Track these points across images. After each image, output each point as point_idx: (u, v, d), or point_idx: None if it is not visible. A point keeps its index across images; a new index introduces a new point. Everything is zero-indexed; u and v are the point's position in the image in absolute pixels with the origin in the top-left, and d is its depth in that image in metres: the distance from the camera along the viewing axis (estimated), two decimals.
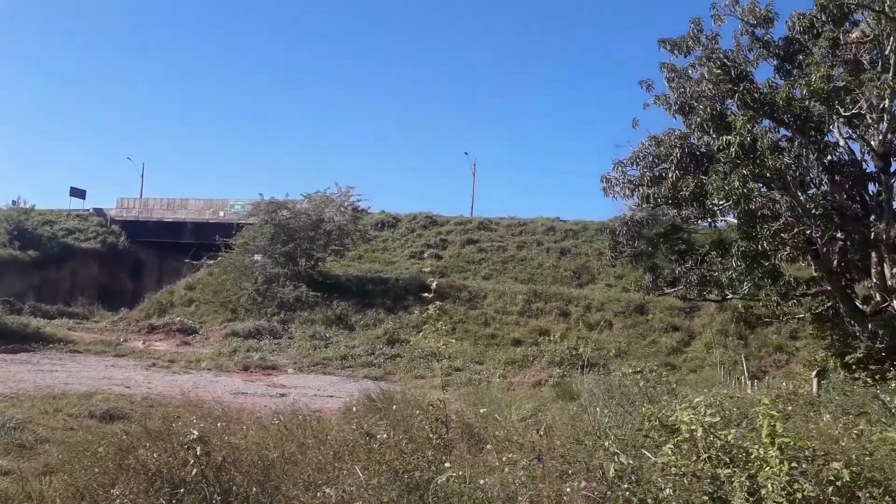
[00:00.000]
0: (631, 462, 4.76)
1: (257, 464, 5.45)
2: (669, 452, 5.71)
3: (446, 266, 41.90)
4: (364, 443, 5.33)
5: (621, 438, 5.84)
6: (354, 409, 10.27)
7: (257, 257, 37.51)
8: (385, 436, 5.33)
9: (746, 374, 21.18)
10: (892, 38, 18.90)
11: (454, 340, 32.44)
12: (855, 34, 20.13)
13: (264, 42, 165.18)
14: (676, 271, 21.75)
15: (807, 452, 5.43)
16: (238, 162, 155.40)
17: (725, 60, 19.18)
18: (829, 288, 20.29)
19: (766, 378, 22.46)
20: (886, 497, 4.97)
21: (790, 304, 21.77)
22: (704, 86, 18.80)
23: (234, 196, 54.85)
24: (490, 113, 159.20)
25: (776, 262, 19.59)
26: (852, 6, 20.15)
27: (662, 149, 19.35)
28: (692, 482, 5.44)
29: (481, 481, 4.51)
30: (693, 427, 5.86)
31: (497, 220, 49.37)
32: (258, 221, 38.82)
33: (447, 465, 5.92)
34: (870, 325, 18.40)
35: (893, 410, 6.86)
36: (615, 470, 4.60)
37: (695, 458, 5.68)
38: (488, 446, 7.15)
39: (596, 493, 4.62)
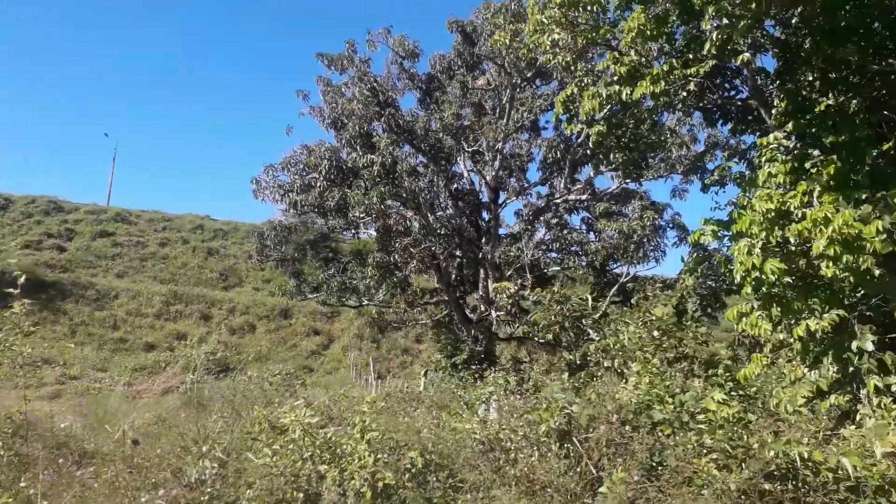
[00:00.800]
0: (216, 466, 4.70)
1: None
2: (269, 453, 5.85)
3: (71, 260, 36.74)
4: None
5: (221, 443, 5.77)
6: None
7: None
8: None
9: (374, 375, 22.94)
10: (508, 90, 22.57)
11: (73, 345, 28.46)
12: (480, 81, 23.56)
13: None
14: (320, 277, 22.61)
15: (391, 444, 6.08)
16: None
17: (375, 84, 20.68)
18: (446, 298, 23.18)
19: (389, 377, 24.66)
20: (450, 479, 5.82)
21: (416, 311, 24.33)
22: (355, 105, 19.95)
23: None
24: (137, 100, 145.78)
25: (406, 273, 21.66)
26: (482, 56, 23.58)
27: (313, 158, 19.97)
28: (289, 480, 5.64)
29: (45, 502, 4.00)
30: (295, 428, 6.11)
31: (138, 212, 45.05)
32: None
33: (22, 483, 5.20)
34: (473, 331, 21.46)
35: (467, 404, 8.12)
36: (197, 474, 4.50)
37: (297, 456, 5.92)
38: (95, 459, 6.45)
39: (183, 501, 4.47)
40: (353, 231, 22.87)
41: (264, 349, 29.65)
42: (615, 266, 23.22)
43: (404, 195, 19.85)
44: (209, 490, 4.51)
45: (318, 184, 19.60)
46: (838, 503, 5.10)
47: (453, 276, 23.98)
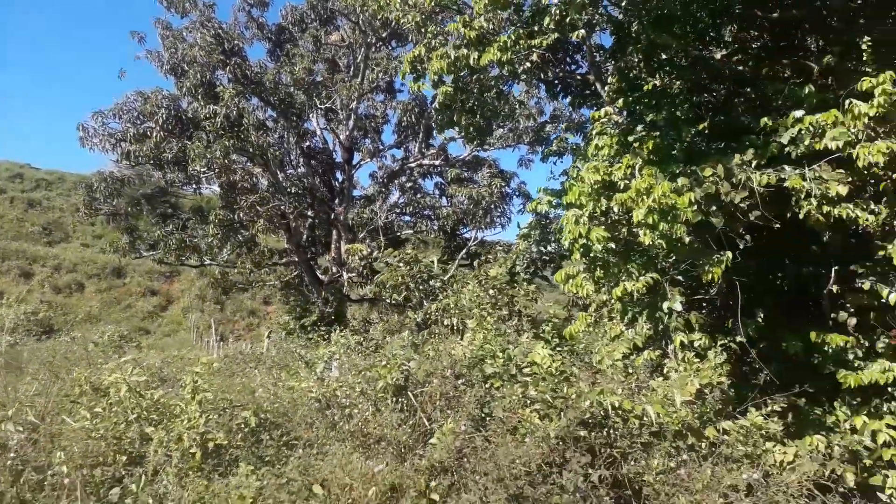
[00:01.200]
0: (22, 430, 4.35)
1: None
2: (89, 416, 5.50)
3: None
4: None
5: (34, 406, 5.34)
6: None
7: None
8: None
9: (216, 337, 22.08)
10: (362, 48, 22.14)
11: None
12: (334, 37, 22.93)
13: None
14: (157, 234, 21.21)
15: (225, 404, 5.92)
16: None
17: (220, 31, 19.45)
18: (297, 259, 22.70)
19: (233, 340, 23.88)
20: (284, 437, 5.77)
21: (264, 271, 23.62)
22: (197, 51, 18.68)
23: None
24: None
25: (253, 232, 20.89)
26: (336, 11, 22.88)
27: (149, 106, 18.53)
28: (110, 443, 5.34)
29: None
30: (120, 388, 5.79)
31: None
32: None
33: None
34: (324, 293, 21.25)
35: (307, 363, 8.08)
36: None
37: (120, 418, 5.61)
38: None
39: None
40: (194, 186, 21.61)
41: (95, 310, 27.47)
42: (465, 230, 23.93)
43: (251, 150, 19.02)
44: (13, 455, 4.15)
45: (155, 134, 18.23)
46: (642, 446, 5.65)
47: (304, 237, 23.51)
